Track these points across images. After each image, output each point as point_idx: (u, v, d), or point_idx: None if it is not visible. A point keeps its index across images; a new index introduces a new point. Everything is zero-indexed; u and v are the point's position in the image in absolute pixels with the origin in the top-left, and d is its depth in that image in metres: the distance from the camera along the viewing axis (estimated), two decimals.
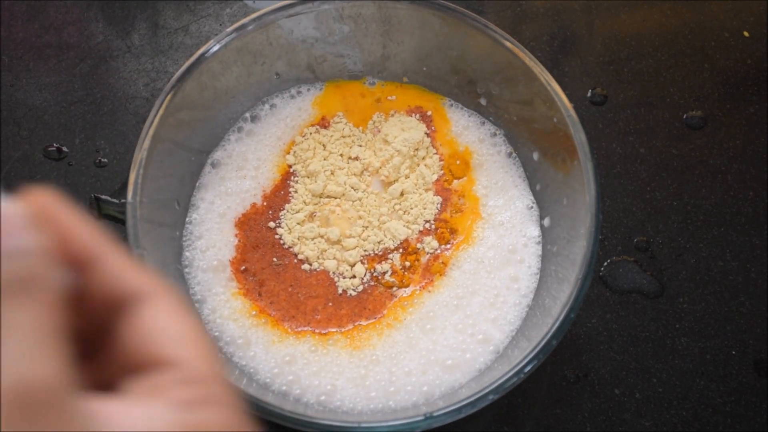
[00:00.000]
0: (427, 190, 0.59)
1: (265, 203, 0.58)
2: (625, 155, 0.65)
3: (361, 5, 0.57)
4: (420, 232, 0.57)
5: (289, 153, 0.60)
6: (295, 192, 0.59)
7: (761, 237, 0.62)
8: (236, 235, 0.56)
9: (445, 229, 0.57)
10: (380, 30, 0.59)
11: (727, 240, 0.62)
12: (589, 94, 0.69)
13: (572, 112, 0.51)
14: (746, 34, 0.72)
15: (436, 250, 0.56)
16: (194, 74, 0.53)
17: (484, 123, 0.61)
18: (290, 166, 0.60)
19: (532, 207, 0.57)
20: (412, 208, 0.58)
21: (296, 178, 0.59)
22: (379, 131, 0.61)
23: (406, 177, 0.59)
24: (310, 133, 0.61)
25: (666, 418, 0.55)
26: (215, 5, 0.73)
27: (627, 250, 0.61)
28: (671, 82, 0.69)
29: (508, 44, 0.54)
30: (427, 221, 0.57)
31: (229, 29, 0.54)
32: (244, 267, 0.55)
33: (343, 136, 0.61)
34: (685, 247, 0.61)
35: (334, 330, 0.53)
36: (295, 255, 0.56)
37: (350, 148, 0.61)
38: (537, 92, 0.53)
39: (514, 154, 0.59)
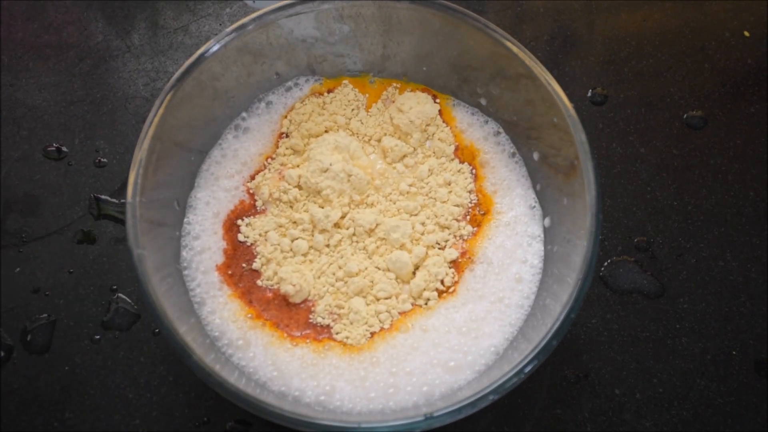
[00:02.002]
0: (450, 161, 0.59)
1: (251, 201, 0.58)
2: (626, 155, 0.65)
3: (361, 5, 0.57)
4: (458, 206, 0.57)
5: (285, 118, 0.60)
6: (272, 160, 0.59)
7: (761, 237, 0.62)
8: (223, 237, 0.56)
9: (476, 210, 0.57)
10: (380, 30, 0.59)
11: (727, 240, 0.61)
12: (589, 94, 0.69)
13: (572, 112, 0.51)
14: (747, 34, 0.72)
15: (465, 237, 0.56)
16: (194, 74, 0.53)
17: (487, 122, 0.61)
18: (283, 134, 0.59)
19: (534, 207, 0.57)
20: (440, 187, 0.57)
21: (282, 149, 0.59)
22: (393, 102, 0.61)
23: (417, 150, 0.59)
24: (310, 100, 0.61)
25: (666, 419, 0.55)
26: (215, 5, 0.73)
27: (627, 250, 0.61)
28: (671, 82, 0.69)
29: (508, 44, 0.54)
30: (460, 197, 0.57)
31: (229, 29, 0.54)
32: (230, 272, 0.55)
33: (348, 101, 0.61)
34: (685, 247, 0.61)
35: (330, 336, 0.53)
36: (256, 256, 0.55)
37: (356, 111, 0.61)
38: (537, 92, 0.53)
39: (517, 154, 0.59)
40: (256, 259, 0.55)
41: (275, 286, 0.54)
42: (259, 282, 0.54)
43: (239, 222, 0.56)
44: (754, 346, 0.57)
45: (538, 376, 0.55)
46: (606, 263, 0.60)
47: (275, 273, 0.54)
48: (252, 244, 0.55)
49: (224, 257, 0.55)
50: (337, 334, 0.52)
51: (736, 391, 0.56)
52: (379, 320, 0.53)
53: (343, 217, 0.56)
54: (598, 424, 0.54)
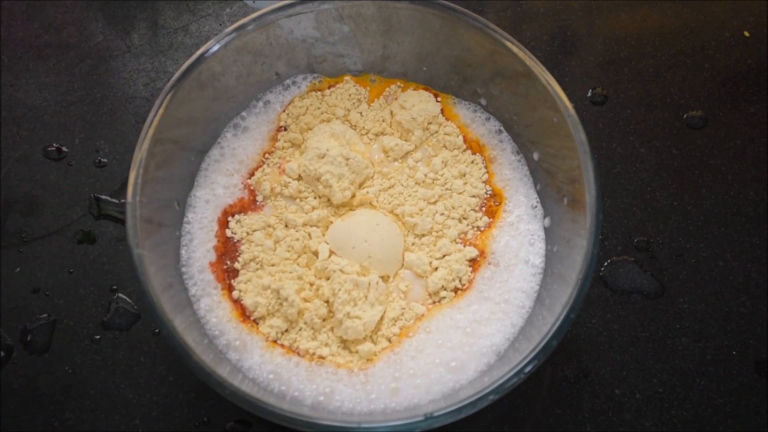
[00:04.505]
0: (463, 152, 0.59)
1: (249, 198, 0.57)
2: (626, 155, 0.65)
3: (361, 5, 0.57)
4: (475, 197, 0.57)
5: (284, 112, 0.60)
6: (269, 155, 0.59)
7: (761, 237, 0.62)
8: (216, 234, 0.55)
9: (491, 201, 0.57)
10: (380, 30, 0.59)
11: (727, 240, 0.61)
12: (589, 94, 0.69)
13: (572, 112, 0.51)
14: (746, 34, 0.72)
15: (482, 228, 0.56)
16: (194, 74, 0.53)
17: (489, 119, 0.61)
18: (282, 127, 0.60)
19: (536, 206, 0.57)
20: (455, 179, 0.57)
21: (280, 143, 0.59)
22: (396, 99, 0.61)
23: (428, 147, 0.59)
24: (310, 95, 0.61)
25: (666, 419, 0.55)
26: (215, 5, 0.73)
27: (627, 250, 0.61)
28: (671, 82, 0.69)
29: (508, 44, 0.54)
30: (475, 188, 0.57)
31: (229, 29, 0.54)
32: (220, 269, 0.54)
33: (349, 95, 0.61)
34: (685, 247, 0.61)
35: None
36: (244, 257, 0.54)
37: (357, 104, 0.61)
38: (537, 92, 0.53)
39: (519, 153, 0.59)
40: (239, 258, 0.55)
41: (241, 296, 0.53)
42: (233, 282, 0.54)
43: (229, 219, 0.56)
44: (754, 346, 0.57)
45: (538, 376, 0.55)
46: (606, 263, 0.60)
47: (248, 280, 0.53)
48: (238, 241, 0.55)
49: (216, 255, 0.55)
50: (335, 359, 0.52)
51: (736, 391, 0.56)
52: (386, 337, 0.52)
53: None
54: (598, 424, 0.54)
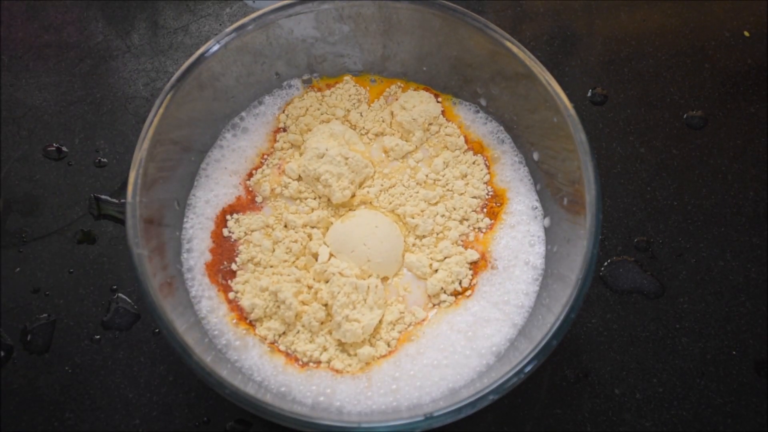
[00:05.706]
0: (464, 152, 0.59)
1: (248, 198, 0.58)
2: (626, 155, 0.65)
3: (361, 5, 0.57)
4: (474, 198, 0.57)
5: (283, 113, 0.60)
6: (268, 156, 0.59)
7: (761, 237, 0.62)
8: (211, 235, 0.55)
9: (493, 202, 0.57)
10: (380, 30, 0.59)
11: (727, 240, 0.61)
12: (589, 94, 0.69)
13: (572, 111, 0.51)
14: (746, 33, 0.72)
15: (483, 230, 0.56)
16: (194, 74, 0.53)
17: (489, 119, 0.61)
18: (281, 129, 0.60)
19: (536, 207, 0.57)
20: (456, 179, 0.57)
21: (279, 143, 0.59)
22: (396, 99, 0.61)
23: (428, 147, 0.59)
24: (309, 95, 0.61)
25: (666, 418, 0.55)
26: (215, 5, 0.73)
27: (627, 250, 0.61)
28: (671, 82, 0.69)
29: (508, 44, 0.54)
30: (477, 189, 0.57)
31: (228, 29, 0.54)
32: (216, 269, 0.54)
33: (349, 95, 0.61)
34: (685, 247, 0.61)
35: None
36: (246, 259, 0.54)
37: (357, 104, 0.61)
38: (537, 92, 0.53)
39: (519, 154, 0.59)
40: (236, 258, 0.55)
41: (238, 297, 0.53)
42: (230, 283, 0.54)
43: (227, 217, 0.56)
44: (754, 346, 0.57)
45: (538, 376, 0.55)
46: (606, 263, 0.60)
47: (246, 281, 0.53)
48: (236, 241, 0.55)
49: (215, 255, 0.54)
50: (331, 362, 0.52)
51: (736, 391, 0.56)
52: (386, 343, 0.52)
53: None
54: (598, 424, 0.54)
